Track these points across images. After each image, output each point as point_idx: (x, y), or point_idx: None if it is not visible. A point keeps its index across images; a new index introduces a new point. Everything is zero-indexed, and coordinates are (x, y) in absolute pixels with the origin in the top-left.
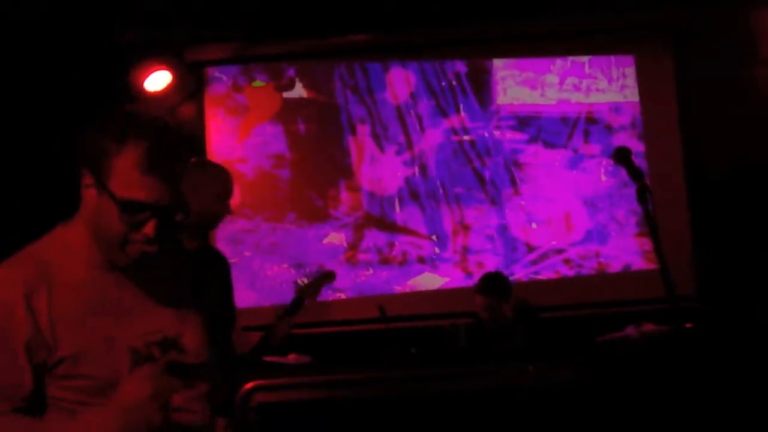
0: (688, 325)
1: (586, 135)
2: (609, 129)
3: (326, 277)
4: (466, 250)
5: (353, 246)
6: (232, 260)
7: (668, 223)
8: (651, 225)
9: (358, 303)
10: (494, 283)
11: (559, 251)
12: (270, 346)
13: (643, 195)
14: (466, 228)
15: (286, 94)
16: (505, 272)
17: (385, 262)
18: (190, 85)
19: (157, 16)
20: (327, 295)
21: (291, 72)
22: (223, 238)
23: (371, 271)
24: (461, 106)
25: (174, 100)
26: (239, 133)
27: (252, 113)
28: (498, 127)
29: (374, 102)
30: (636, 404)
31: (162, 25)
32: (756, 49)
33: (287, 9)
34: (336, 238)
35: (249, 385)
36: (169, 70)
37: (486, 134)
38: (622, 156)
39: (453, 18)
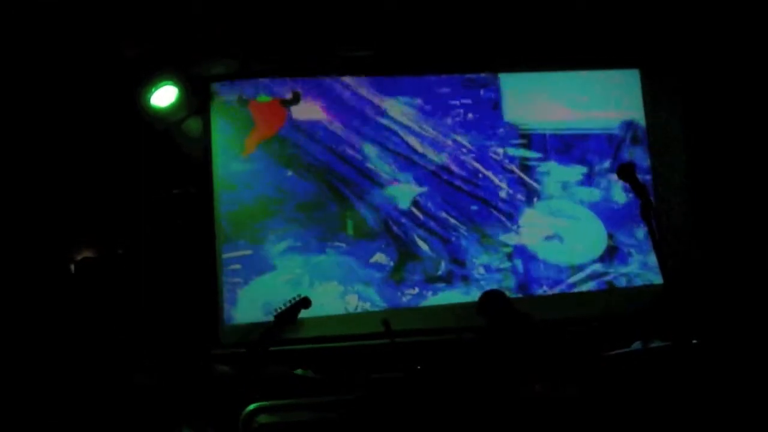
0: (693, 341)
1: (602, 151)
2: (622, 143)
3: (302, 303)
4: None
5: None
6: None
7: (675, 236)
8: (654, 240)
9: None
10: (492, 303)
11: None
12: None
13: (647, 211)
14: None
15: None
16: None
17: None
18: (196, 100)
19: (164, 32)
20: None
21: (296, 87)
22: None
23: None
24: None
25: (180, 115)
26: (245, 148)
27: (257, 128)
28: (509, 145)
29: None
30: (641, 419)
31: (168, 41)
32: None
33: (292, 25)
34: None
35: (252, 407)
36: (175, 86)
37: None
38: (626, 172)
39: (455, 32)
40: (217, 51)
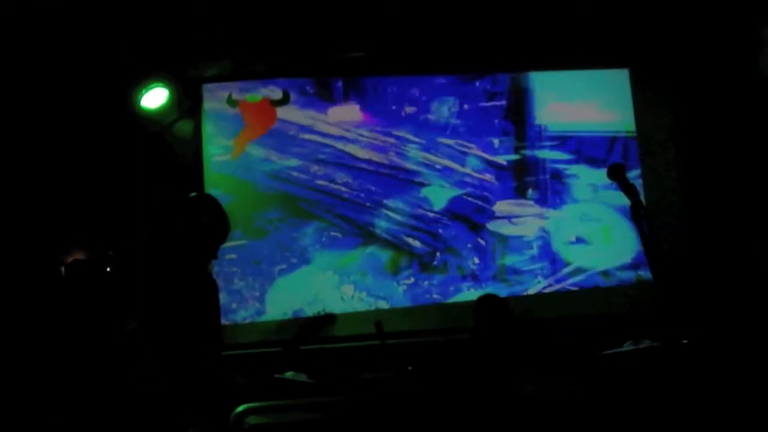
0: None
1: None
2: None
3: (326, 320)
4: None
5: None
6: None
7: (666, 237)
8: (644, 241)
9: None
10: (489, 310)
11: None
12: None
13: (637, 211)
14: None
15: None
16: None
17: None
18: (187, 101)
19: (154, 34)
20: None
21: (286, 86)
22: None
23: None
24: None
25: (171, 117)
26: (235, 148)
27: (247, 128)
28: (540, 147)
29: None
30: (632, 419)
31: (159, 43)
32: (750, 62)
33: (283, 26)
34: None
35: (241, 408)
36: (165, 87)
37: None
38: (616, 172)
39: (452, 31)
40: (208, 53)
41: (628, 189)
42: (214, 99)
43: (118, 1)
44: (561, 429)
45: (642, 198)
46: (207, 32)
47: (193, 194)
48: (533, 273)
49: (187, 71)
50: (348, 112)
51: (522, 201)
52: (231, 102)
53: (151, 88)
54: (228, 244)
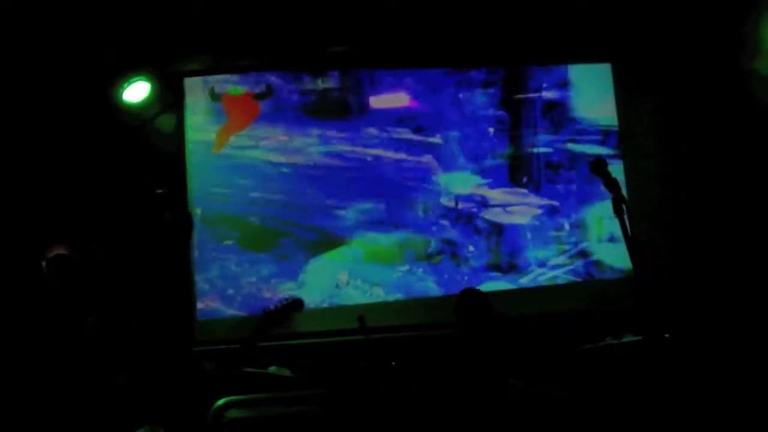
0: (665, 335)
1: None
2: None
3: (293, 306)
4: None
5: None
6: None
7: (647, 231)
8: (626, 236)
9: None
10: (471, 307)
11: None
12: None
13: (618, 206)
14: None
15: None
16: None
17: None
18: (169, 95)
19: (137, 28)
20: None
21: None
22: None
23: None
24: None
25: (153, 111)
26: (216, 142)
27: (230, 122)
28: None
29: None
30: (615, 413)
31: (141, 37)
32: (734, 59)
33: (266, 20)
34: None
35: (221, 401)
36: (147, 81)
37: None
38: (598, 167)
39: (438, 25)
40: (190, 46)
41: (610, 184)
42: (196, 92)
43: None
44: (543, 424)
45: (624, 192)
46: (190, 26)
47: (159, 191)
48: (527, 262)
49: (168, 65)
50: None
51: (516, 189)
52: (213, 95)
53: (133, 82)
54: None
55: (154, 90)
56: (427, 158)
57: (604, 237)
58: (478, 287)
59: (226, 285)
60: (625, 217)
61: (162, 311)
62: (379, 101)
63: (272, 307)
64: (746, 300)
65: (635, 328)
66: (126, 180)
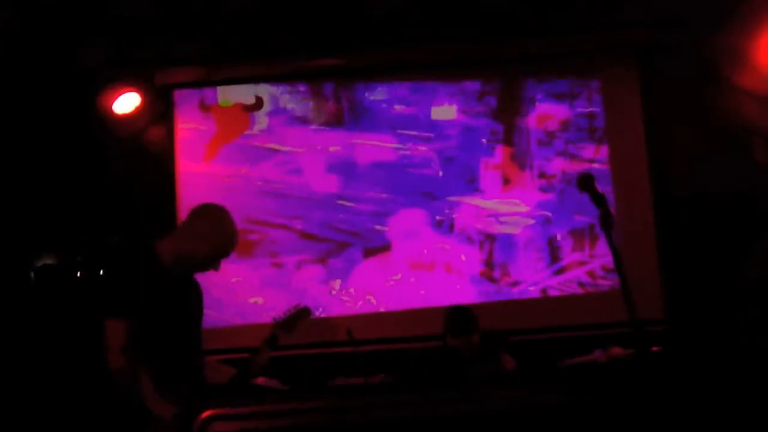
0: (654, 349)
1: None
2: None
3: (301, 314)
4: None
5: None
6: None
7: (635, 245)
8: (613, 251)
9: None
10: (462, 323)
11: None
12: (248, 378)
13: (606, 221)
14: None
15: None
16: None
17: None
18: (159, 106)
19: (126, 38)
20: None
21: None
22: None
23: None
24: None
25: (143, 122)
26: (206, 153)
27: (219, 133)
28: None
29: None
30: (603, 428)
31: (130, 48)
32: (716, 70)
33: (256, 31)
34: None
35: (206, 414)
36: (137, 93)
37: None
38: (585, 182)
39: (426, 37)
40: (180, 57)
41: (597, 198)
42: (187, 104)
43: (93, 7)
44: None
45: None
46: (180, 37)
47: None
48: (519, 272)
49: (158, 77)
50: None
51: (510, 199)
52: (203, 107)
53: (123, 93)
54: None
55: (144, 101)
56: (420, 167)
57: (596, 249)
58: (469, 297)
59: (219, 294)
60: (612, 232)
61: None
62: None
63: (281, 315)
64: (733, 311)
65: (623, 341)
66: (115, 190)
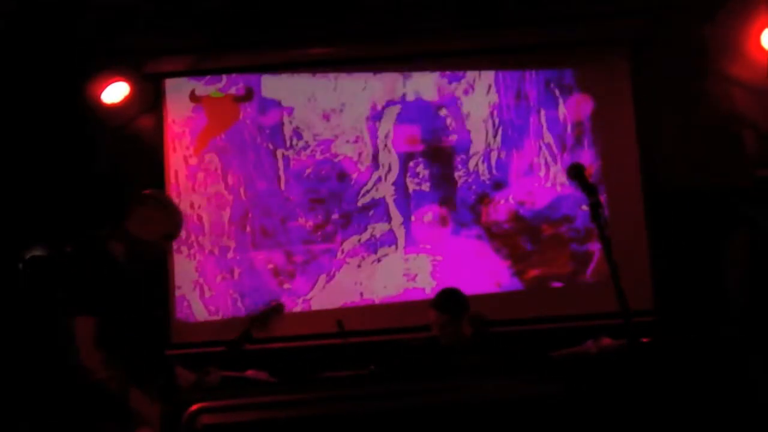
0: (644, 340)
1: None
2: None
3: (275, 310)
4: None
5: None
6: None
7: (625, 235)
8: (604, 241)
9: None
10: (450, 301)
11: None
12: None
13: (596, 211)
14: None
15: None
16: None
17: None
18: (149, 96)
19: (116, 27)
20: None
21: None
22: None
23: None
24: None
25: (132, 112)
26: (196, 144)
27: (210, 124)
28: None
29: None
30: (594, 419)
31: (120, 37)
32: (707, 61)
33: (247, 21)
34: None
35: (194, 407)
36: (127, 82)
37: None
38: (575, 172)
39: (417, 30)
40: (171, 47)
41: (587, 188)
42: (177, 94)
43: None
44: (525, 425)
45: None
46: (170, 25)
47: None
48: None
49: (147, 66)
50: None
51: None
52: (194, 98)
53: (113, 82)
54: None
55: (133, 91)
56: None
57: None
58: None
59: (203, 286)
60: (603, 222)
61: (138, 313)
62: None
63: (254, 312)
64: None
65: (614, 332)
66: (105, 181)
